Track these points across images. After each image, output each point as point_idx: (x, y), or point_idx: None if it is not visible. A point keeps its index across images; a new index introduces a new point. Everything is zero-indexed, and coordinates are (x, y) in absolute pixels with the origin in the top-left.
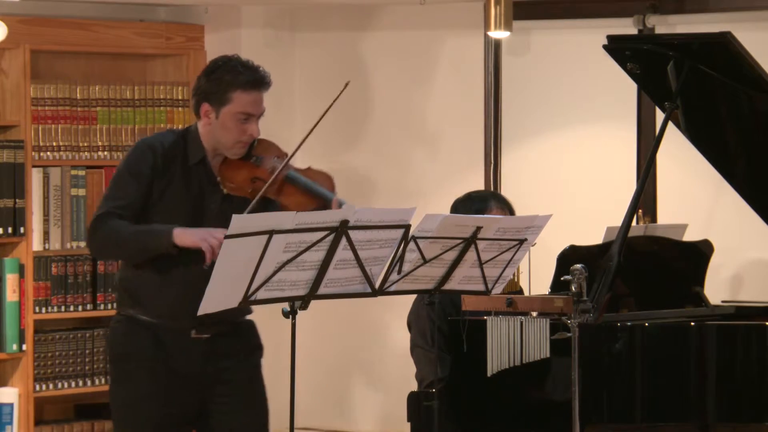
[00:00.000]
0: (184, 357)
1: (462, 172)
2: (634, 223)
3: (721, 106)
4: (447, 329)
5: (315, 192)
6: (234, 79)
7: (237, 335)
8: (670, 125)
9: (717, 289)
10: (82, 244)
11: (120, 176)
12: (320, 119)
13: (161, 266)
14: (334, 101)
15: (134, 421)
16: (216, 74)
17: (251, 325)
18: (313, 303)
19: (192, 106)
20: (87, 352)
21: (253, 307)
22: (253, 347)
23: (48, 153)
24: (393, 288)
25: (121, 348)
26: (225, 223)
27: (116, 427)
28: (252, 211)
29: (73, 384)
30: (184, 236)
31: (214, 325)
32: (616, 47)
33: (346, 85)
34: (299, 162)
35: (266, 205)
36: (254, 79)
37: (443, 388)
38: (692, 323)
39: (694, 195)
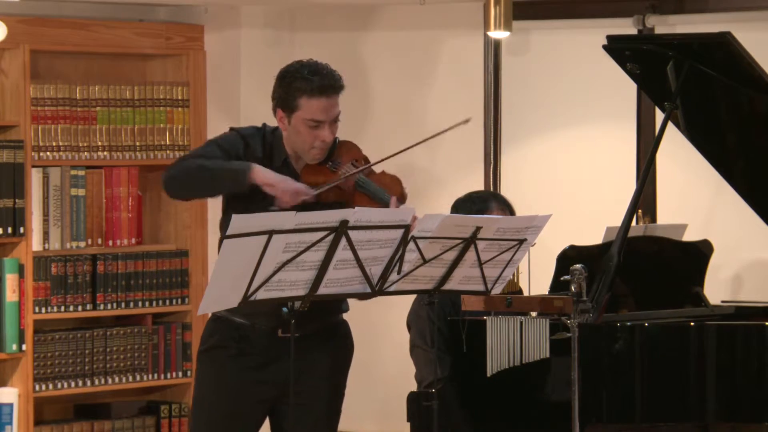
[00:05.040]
0: (268, 353)
1: (462, 172)
2: (633, 223)
3: (721, 106)
4: (446, 329)
5: (379, 198)
6: (301, 85)
7: (327, 335)
8: (670, 125)
9: (717, 289)
10: (82, 244)
11: (208, 144)
12: (419, 143)
13: None
14: (446, 130)
15: (208, 410)
16: (285, 80)
17: (343, 326)
18: None
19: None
20: (87, 352)
21: None
22: (342, 348)
23: (48, 153)
24: (393, 288)
25: (207, 344)
26: None
27: (193, 413)
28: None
29: (72, 384)
30: (263, 173)
31: (303, 324)
32: (616, 47)
33: (467, 120)
34: (378, 166)
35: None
36: (321, 86)
37: (443, 388)
38: (692, 323)
39: (694, 195)
